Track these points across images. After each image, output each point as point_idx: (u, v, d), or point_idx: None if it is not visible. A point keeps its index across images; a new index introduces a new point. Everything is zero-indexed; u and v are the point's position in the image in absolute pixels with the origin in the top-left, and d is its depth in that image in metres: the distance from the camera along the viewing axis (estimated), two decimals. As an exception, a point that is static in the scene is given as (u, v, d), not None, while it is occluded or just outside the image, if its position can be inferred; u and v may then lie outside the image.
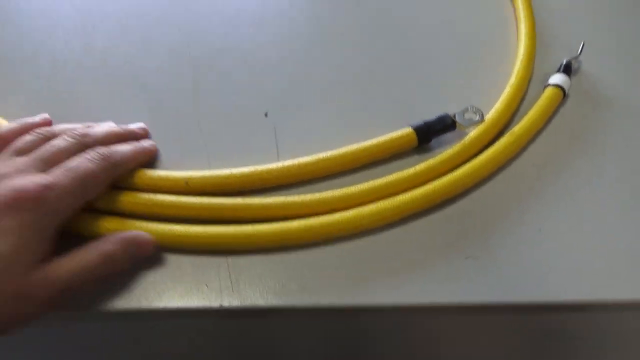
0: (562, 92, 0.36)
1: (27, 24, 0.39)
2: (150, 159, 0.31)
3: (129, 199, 0.29)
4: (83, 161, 0.26)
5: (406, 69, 0.39)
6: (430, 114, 0.34)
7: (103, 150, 0.28)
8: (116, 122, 0.34)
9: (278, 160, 0.32)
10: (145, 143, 0.31)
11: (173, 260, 0.28)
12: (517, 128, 0.34)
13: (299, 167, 0.31)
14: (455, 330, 0.32)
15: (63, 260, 0.24)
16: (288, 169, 0.31)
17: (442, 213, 0.31)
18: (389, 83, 0.38)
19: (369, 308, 0.28)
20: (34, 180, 0.24)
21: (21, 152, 0.27)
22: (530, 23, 0.41)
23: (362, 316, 0.30)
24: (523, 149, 0.34)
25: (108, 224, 0.28)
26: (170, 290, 0.27)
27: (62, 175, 0.25)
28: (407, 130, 0.33)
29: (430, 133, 0.33)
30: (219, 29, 0.40)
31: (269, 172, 0.31)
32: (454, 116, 0.34)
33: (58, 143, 0.28)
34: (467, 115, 0.34)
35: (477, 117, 0.34)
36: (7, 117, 0.33)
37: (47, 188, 0.24)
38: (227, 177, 0.30)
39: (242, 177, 0.30)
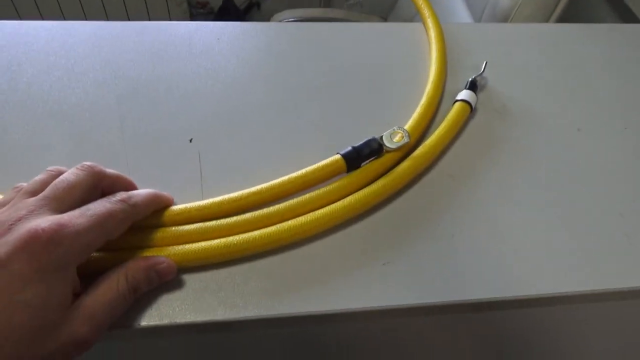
0: (470, 106, 0.39)
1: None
2: (169, 204, 0.31)
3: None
4: (100, 202, 0.26)
5: (331, 94, 0.41)
6: (354, 135, 0.35)
7: (121, 193, 0.27)
8: (42, 154, 0.34)
9: (201, 185, 0.33)
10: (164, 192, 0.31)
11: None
12: (429, 140, 0.36)
13: (228, 202, 0.31)
14: (382, 336, 0.33)
15: (93, 293, 0.24)
16: (218, 205, 0.31)
17: (360, 224, 0.32)
18: (314, 108, 0.39)
19: (286, 317, 0.28)
20: (47, 219, 0.23)
21: (33, 192, 0.26)
22: (441, 48, 0.44)
23: (284, 326, 0.30)
24: (436, 160, 0.36)
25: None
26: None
27: (78, 214, 0.24)
28: (336, 157, 0.33)
29: (358, 159, 0.33)
30: (146, 61, 0.41)
31: (199, 209, 0.31)
32: (381, 138, 0.34)
33: (67, 177, 0.27)
34: (394, 137, 0.34)
35: (405, 139, 0.34)
36: None
37: (61, 227, 0.23)
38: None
39: (173, 215, 0.30)
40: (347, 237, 0.32)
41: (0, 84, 0.38)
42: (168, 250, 0.28)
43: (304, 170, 0.33)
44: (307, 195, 0.32)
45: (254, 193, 0.32)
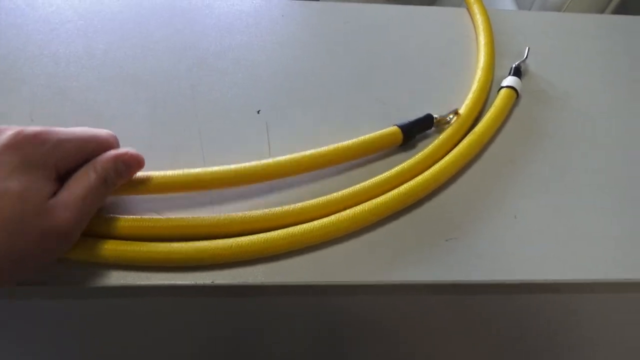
0: (516, 93, 0.40)
1: (30, 26, 0.40)
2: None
3: (124, 224, 0.29)
4: (90, 128, 0.28)
5: (385, 76, 0.41)
6: (406, 117, 0.36)
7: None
8: (117, 117, 0.36)
9: (270, 153, 0.35)
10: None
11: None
12: (479, 127, 0.37)
13: (290, 162, 0.32)
14: (429, 312, 0.34)
15: (68, 187, 0.25)
16: (279, 164, 0.31)
17: (425, 206, 0.33)
18: (371, 88, 0.40)
19: (347, 285, 0.29)
20: (34, 127, 0.26)
21: None
22: (489, 34, 0.44)
23: (344, 296, 0.31)
24: (486, 145, 0.37)
25: (107, 246, 0.28)
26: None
27: (66, 129, 0.27)
28: (393, 128, 0.35)
29: (413, 131, 0.36)
30: (214, 33, 0.42)
31: (259, 168, 0.31)
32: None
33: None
34: (445, 115, 0.37)
35: (453, 116, 0.37)
36: (9, 112, 0.35)
37: (46, 130, 0.25)
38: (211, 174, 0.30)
39: (229, 174, 0.31)
40: (415, 217, 0.32)
41: (77, 50, 0.39)
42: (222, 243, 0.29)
43: (362, 138, 0.34)
44: (365, 183, 0.32)
45: (317, 155, 0.32)
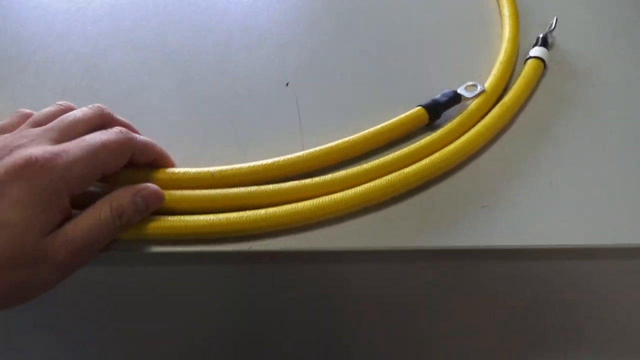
0: (543, 63, 0.39)
1: (56, 5, 0.41)
2: (169, 162, 0.30)
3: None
4: (98, 133, 0.26)
5: (409, 48, 0.41)
6: (432, 88, 0.36)
7: (122, 128, 0.28)
8: (146, 94, 0.36)
9: (300, 125, 0.35)
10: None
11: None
12: (508, 97, 0.36)
13: (320, 154, 0.31)
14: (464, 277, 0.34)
15: (77, 219, 0.25)
16: (310, 157, 0.31)
17: (456, 176, 0.33)
18: (395, 60, 0.40)
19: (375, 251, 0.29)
20: (43, 149, 0.24)
21: (39, 123, 0.27)
22: (512, 4, 0.43)
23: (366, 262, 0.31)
24: (515, 116, 0.36)
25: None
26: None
27: (74, 144, 0.25)
28: (418, 109, 0.34)
29: (438, 109, 0.35)
30: (239, 10, 0.42)
31: (291, 162, 0.31)
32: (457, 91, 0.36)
33: (75, 113, 0.27)
34: (469, 89, 0.36)
35: (479, 88, 0.36)
36: (39, 89, 0.36)
37: (55, 155, 0.24)
38: (251, 170, 0.30)
39: (265, 169, 0.30)
40: (449, 185, 0.32)
41: (104, 28, 0.40)
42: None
43: (388, 123, 0.34)
44: (396, 153, 0.32)
45: (345, 144, 0.32)
